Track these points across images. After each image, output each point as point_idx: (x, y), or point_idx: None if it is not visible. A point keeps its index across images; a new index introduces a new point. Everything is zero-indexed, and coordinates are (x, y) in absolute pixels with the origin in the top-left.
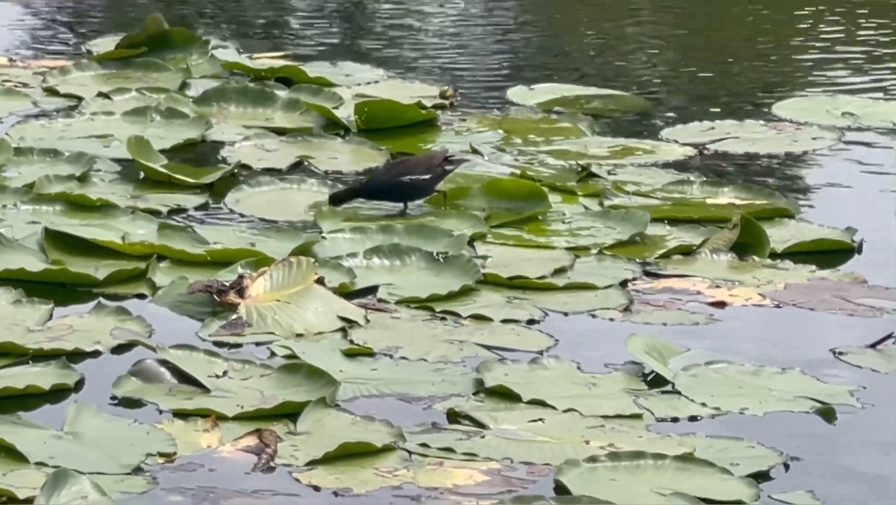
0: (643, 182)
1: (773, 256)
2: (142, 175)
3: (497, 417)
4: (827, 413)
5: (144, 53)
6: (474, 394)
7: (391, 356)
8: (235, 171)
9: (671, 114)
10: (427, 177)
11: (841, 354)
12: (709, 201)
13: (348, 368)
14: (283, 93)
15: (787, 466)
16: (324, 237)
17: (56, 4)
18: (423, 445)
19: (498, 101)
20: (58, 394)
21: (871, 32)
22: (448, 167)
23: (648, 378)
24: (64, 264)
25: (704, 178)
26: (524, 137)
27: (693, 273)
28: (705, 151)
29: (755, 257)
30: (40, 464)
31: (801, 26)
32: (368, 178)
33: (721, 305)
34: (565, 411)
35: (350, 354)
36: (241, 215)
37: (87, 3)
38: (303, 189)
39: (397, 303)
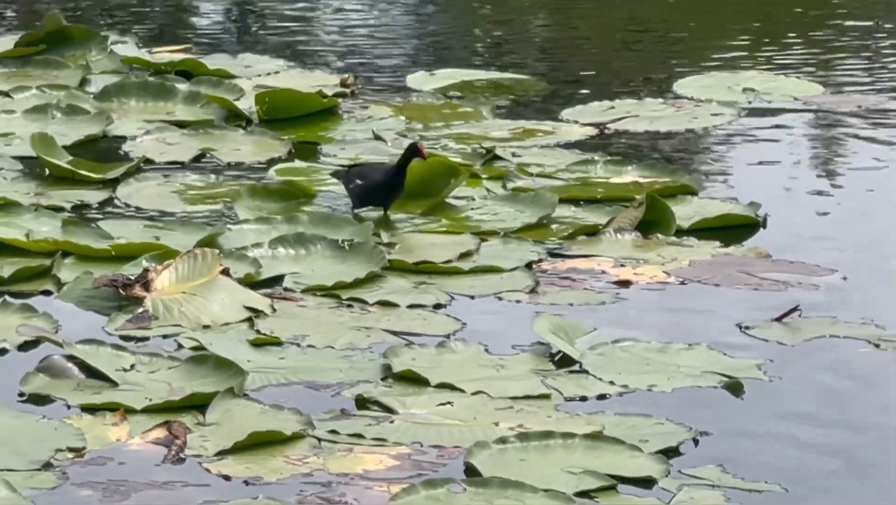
0: (546, 163)
1: (678, 233)
2: (46, 172)
3: (406, 402)
4: (734, 387)
5: (44, 51)
6: (382, 379)
7: (298, 345)
8: (141, 165)
9: (570, 95)
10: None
11: (747, 328)
12: (613, 180)
13: (256, 358)
14: (183, 86)
15: (696, 441)
16: (229, 228)
17: None
18: (333, 431)
19: (399, 88)
20: None
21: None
22: None
23: (556, 358)
24: None
25: (608, 158)
26: (426, 123)
27: (598, 253)
28: (606, 131)
29: (659, 235)
30: None
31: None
32: (382, 175)
33: (626, 283)
34: (474, 394)
35: (257, 344)
36: (139, 209)
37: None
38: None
39: (303, 291)
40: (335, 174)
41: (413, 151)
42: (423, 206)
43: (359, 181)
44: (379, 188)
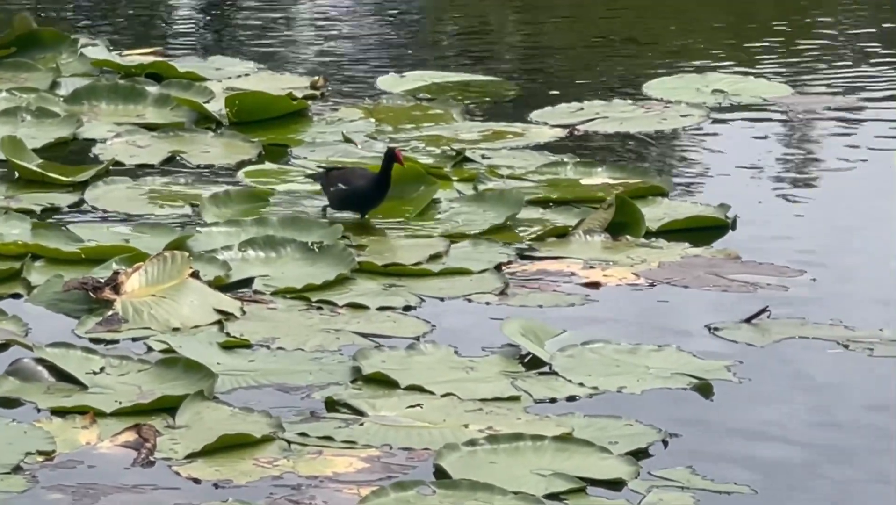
0: (517, 165)
1: (648, 234)
2: (15, 175)
3: (375, 404)
4: (704, 389)
5: (13, 54)
6: (352, 382)
7: (268, 347)
8: (110, 168)
9: (539, 96)
10: None
11: (716, 329)
12: (583, 182)
13: (226, 361)
14: (153, 89)
15: (665, 443)
16: (198, 231)
17: None
18: (303, 434)
19: (369, 90)
20: None
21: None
22: None
23: (526, 360)
24: None
25: (578, 159)
26: (396, 125)
27: (567, 255)
28: (576, 133)
29: (628, 237)
30: None
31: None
32: (364, 182)
33: (596, 285)
34: (443, 396)
35: (227, 347)
36: (106, 211)
37: None
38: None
39: (273, 294)
40: (312, 175)
41: (391, 157)
42: (399, 211)
43: (342, 185)
44: (363, 195)
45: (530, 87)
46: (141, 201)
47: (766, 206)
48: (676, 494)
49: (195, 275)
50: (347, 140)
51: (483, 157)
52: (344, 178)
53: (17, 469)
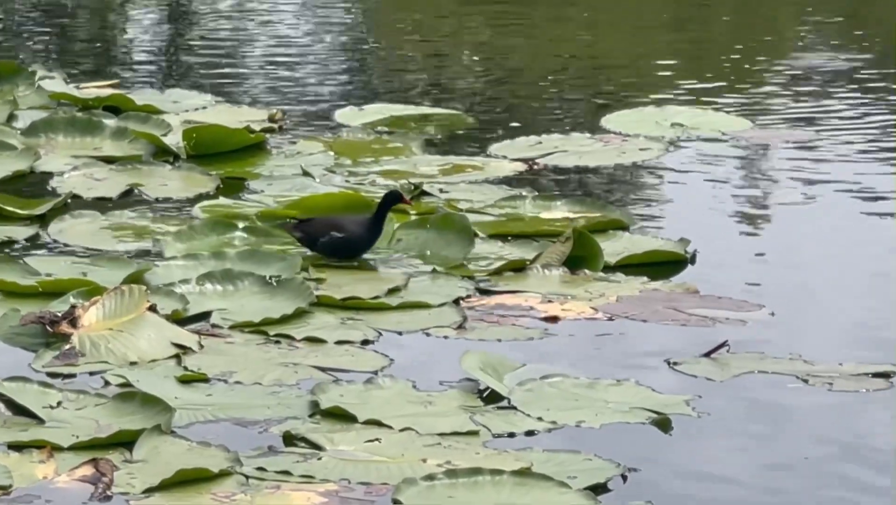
0: (475, 199)
1: (606, 268)
2: None
3: (333, 439)
4: (663, 423)
5: None
6: (310, 416)
7: (226, 381)
8: (68, 201)
9: (498, 130)
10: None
11: (675, 364)
12: (542, 215)
13: (183, 395)
14: (111, 121)
15: (624, 478)
16: (156, 265)
17: None
18: (260, 468)
19: (328, 123)
20: None
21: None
22: None
23: (484, 394)
24: None
25: (537, 193)
26: (354, 158)
27: (525, 289)
28: (535, 167)
29: (587, 271)
30: None
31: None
32: (359, 228)
33: (554, 319)
34: (402, 430)
35: (185, 381)
36: (65, 244)
37: None
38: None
39: (231, 328)
40: (282, 225)
41: (396, 199)
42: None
43: (335, 233)
44: (357, 241)
45: (489, 120)
46: (99, 234)
47: (724, 241)
48: None
49: (153, 308)
50: (306, 174)
51: (441, 190)
52: (335, 225)
53: None
